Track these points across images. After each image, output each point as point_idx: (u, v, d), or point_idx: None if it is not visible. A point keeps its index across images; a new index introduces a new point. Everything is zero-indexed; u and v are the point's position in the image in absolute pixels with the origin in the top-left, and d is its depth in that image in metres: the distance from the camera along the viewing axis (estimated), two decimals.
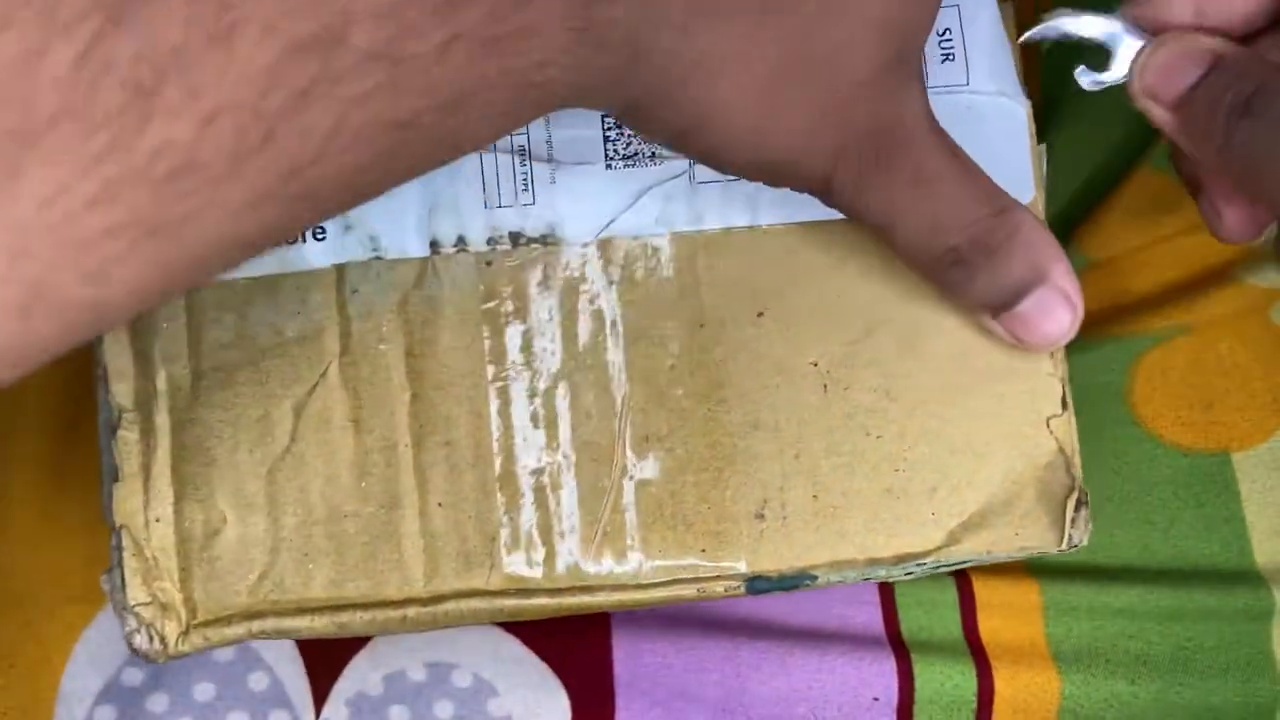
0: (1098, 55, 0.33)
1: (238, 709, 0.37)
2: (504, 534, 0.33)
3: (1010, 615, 0.39)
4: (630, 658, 0.38)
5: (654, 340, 0.34)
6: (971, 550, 0.33)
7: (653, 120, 0.28)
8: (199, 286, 0.23)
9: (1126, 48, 0.32)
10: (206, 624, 0.33)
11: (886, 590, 0.39)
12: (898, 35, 0.28)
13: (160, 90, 0.20)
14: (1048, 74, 0.43)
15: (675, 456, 0.33)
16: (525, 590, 0.33)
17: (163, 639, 0.32)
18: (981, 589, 0.39)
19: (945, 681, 0.39)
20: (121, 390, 0.33)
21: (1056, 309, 0.31)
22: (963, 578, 0.39)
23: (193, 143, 0.21)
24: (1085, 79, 0.33)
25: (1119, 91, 0.33)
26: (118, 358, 0.33)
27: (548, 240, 0.34)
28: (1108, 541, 0.40)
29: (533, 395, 0.33)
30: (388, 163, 0.24)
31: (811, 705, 0.38)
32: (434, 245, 0.33)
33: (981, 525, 0.33)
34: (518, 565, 0.33)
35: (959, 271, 0.31)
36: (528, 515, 0.33)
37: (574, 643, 0.38)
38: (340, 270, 0.33)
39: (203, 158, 0.21)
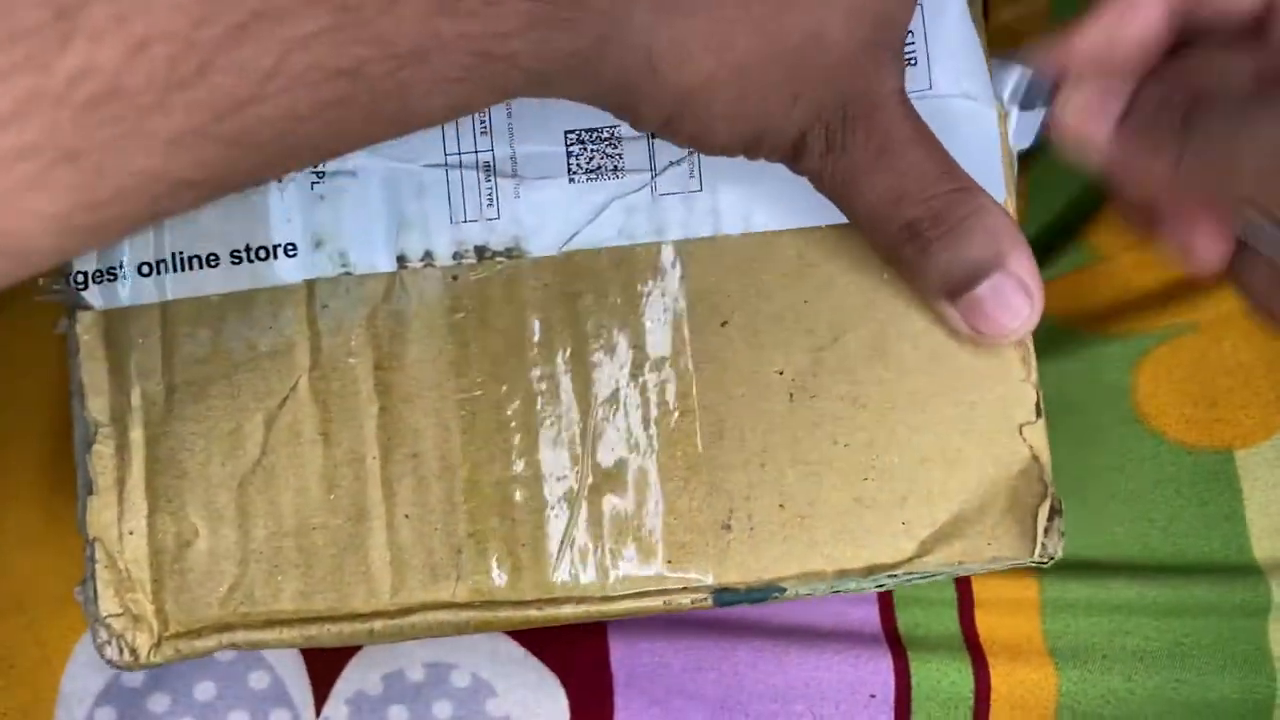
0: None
1: (239, 708, 0.38)
2: (470, 546, 0.33)
3: (1007, 611, 0.39)
4: (628, 657, 0.38)
5: (619, 351, 0.34)
6: (943, 561, 0.33)
7: (631, 111, 0.28)
8: (132, 230, 0.22)
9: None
10: (178, 636, 0.33)
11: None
12: (869, 21, 0.28)
13: (84, 12, 0.20)
14: None
15: (641, 468, 0.33)
16: (491, 603, 0.33)
17: (134, 650, 0.33)
18: (979, 585, 0.39)
19: (942, 678, 0.38)
20: (97, 405, 0.34)
21: (1014, 298, 0.30)
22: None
23: (119, 69, 0.20)
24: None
25: None
26: (93, 373, 0.34)
27: (513, 253, 0.34)
28: (1108, 538, 0.39)
29: (498, 407, 0.33)
30: (330, 116, 0.23)
31: (809, 702, 0.38)
32: (401, 260, 0.34)
33: (953, 535, 0.33)
34: (483, 578, 0.33)
35: (916, 246, 0.30)
36: (493, 527, 0.33)
37: (572, 642, 0.38)
38: (311, 286, 0.34)
39: (129, 85, 0.21)
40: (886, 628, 0.39)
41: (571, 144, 0.34)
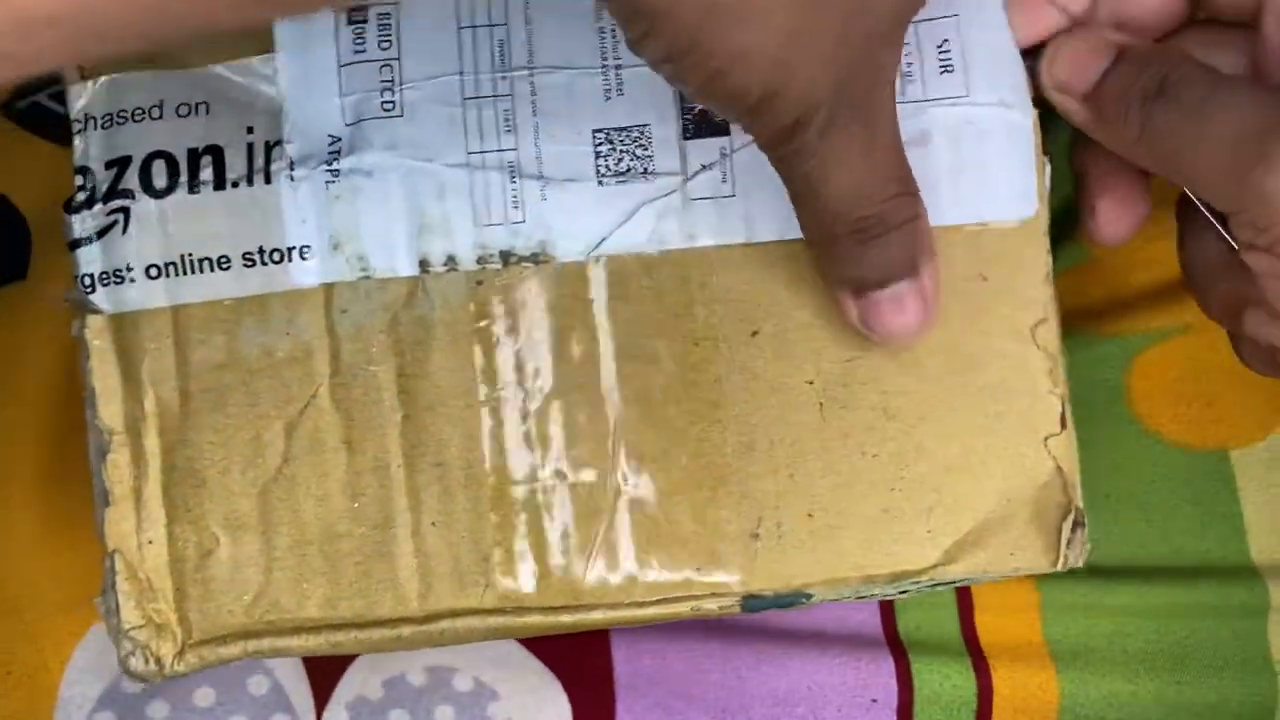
0: None
1: (238, 714, 0.37)
2: (497, 553, 0.33)
3: (1008, 614, 0.39)
4: (630, 660, 0.38)
5: (647, 359, 0.33)
6: (967, 570, 0.33)
7: (637, 10, 0.25)
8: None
9: None
10: (202, 644, 0.33)
11: None
12: (899, 3, 0.28)
13: None
14: None
15: (669, 476, 0.33)
16: (520, 609, 0.33)
17: (158, 660, 0.32)
18: (979, 588, 0.39)
19: (944, 682, 0.39)
20: (110, 413, 0.33)
21: (912, 306, 0.31)
22: None
23: None
24: None
25: None
26: (105, 379, 0.33)
27: (539, 258, 0.33)
28: (1105, 539, 0.40)
29: (525, 415, 0.33)
30: None
31: (811, 705, 0.38)
32: (423, 264, 0.33)
33: (977, 545, 0.33)
34: (512, 584, 0.33)
35: (853, 242, 0.30)
36: (521, 535, 0.33)
37: (574, 645, 0.38)
38: (329, 290, 0.33)
39: None
40: (888, 631, 0.39)
41: (600, 144, 0.33)
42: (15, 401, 0.39)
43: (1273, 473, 0.40)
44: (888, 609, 0.39)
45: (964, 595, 0.40)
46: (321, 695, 0.38)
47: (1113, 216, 0.34)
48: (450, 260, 0.33)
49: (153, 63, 0.34)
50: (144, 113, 0.33)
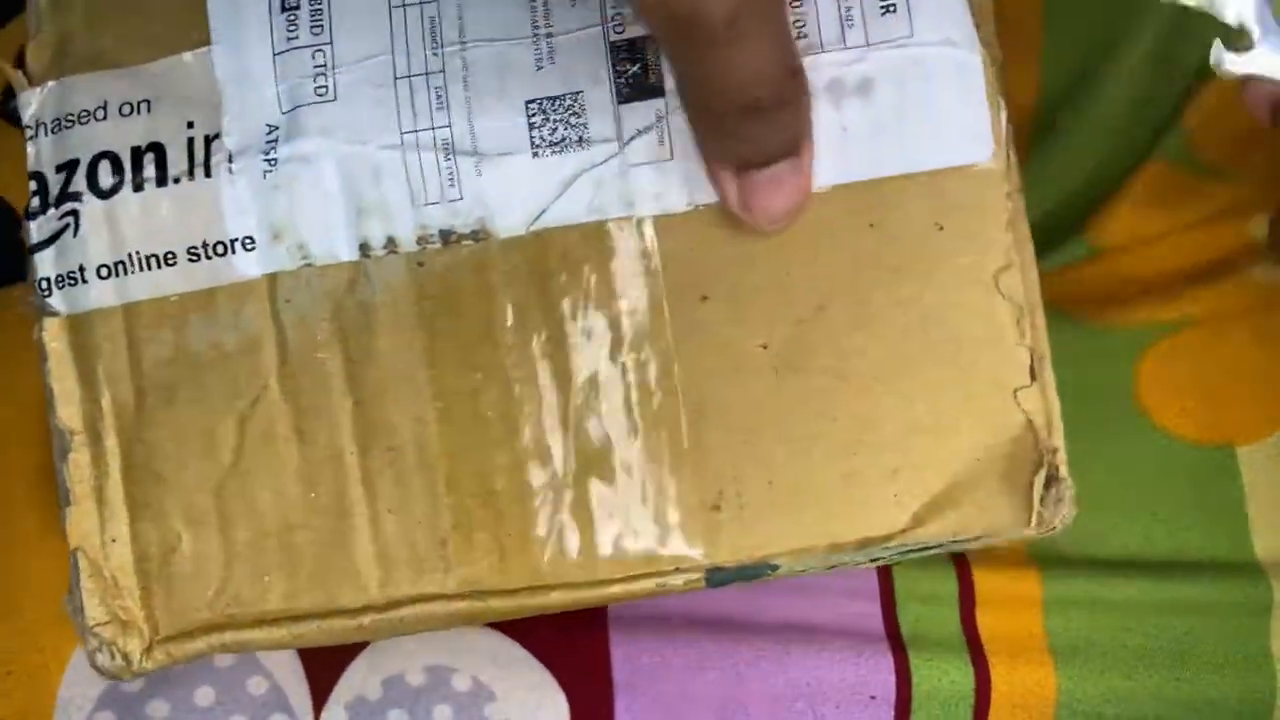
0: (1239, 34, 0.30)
1: (237, 714, 0.38)
2: (454, 538, 0.32)
3: (1009, 609, 0.38)
4: (629, 658, 0.38)
5: (596, 332, 0.32)
6: (938, 533, 0.32)
7: None
8: None
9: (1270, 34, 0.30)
10: (168, 640, 0.33)
11: (886, 583, 0.39)
12: None
13: None
14: (1050, 61, 0.42)
15: (625, 450, 0.32)
16: (480, 593, 0.33)
17: (125, 656, 0.33)
18: (981, 580, 0.38)
19: (942, 678, 0.38)
20: (69, 413, 0.33)
21: (790, 185, 0.31)
22: (964, 569, 0.38)
23: None
24: (1224, 61, 0.30)
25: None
26: (62, 380, 0.33)
27: (479, 235, 0.32)
28: (1110, 532, 0.39)
29: (475, 397, 0.32)
30: None
31: (810, 701, 0.37)
32: (364, 248, 0.33)
33: (947, 506, 0.32)
34: (471, 568, 0.32)
35: (741, 119, 0.30)
36: (479, 518, 0.32)
37: (573, 645, 0.38)
38: (272, 280, 0.33)
39: None
40: (888, 628, 0.38)
41: (533, 114, 0.32)
42: (15, 402, 0.40)
43: (1278, 469, 0.38)
44: (889, 604, 0.38)
45: (966, 589, 0.38)
46: (320, 695, 0.38)
47: None
48: (390, 243, 0.33)
49: (96, 63, 0.34)
50: (89, 114, 0.33)
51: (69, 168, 0.33)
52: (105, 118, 0.33)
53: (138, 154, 0.33)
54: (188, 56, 0.34)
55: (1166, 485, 0.39)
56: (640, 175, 0.32)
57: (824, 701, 0.37)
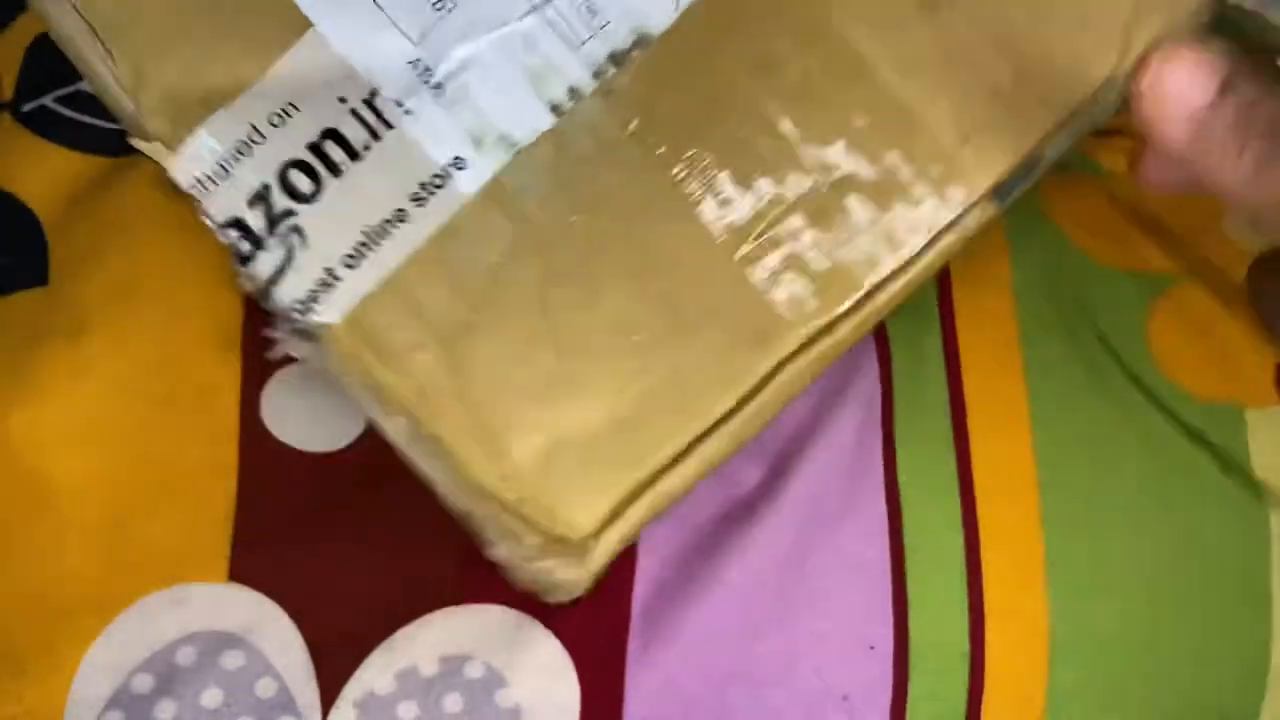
0: None
1: (245, 715, 0.38)
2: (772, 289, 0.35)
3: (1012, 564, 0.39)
4: (644, 631, 0.39)
5: (778, 60, 0.35)
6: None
7: None
8: None
9: None
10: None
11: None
12: None
13: None
14: None
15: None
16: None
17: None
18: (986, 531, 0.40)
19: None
20: (395, 401, 0.34)
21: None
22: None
23: None
24: None
25: None
26: (382, 375, 0.34)
27: (643, 42, 0.35)
28: (1116, 481, 0.40)
29: (717, 191, 0.35)
30: None
31: (815, 660, 0.39)
32: (555, 110, 0.34)
33: None
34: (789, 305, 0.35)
35: None
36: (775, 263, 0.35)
37: (592, 625, 0.38)
38: (496, 183, 0.34)
39: None
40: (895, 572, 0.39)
41: None
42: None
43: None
44: (898, 554, 0.40)
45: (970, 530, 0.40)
46: (329, 694, 0.38)
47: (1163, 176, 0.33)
48: (574, 92, 0.35)
49: (215, 101, 0.34)
50: (246, 144, 0.34)
51: (261, 196, 0.34)
52: (264, 138, 0.34)
53: (317, 148, 0.34)
54: (298, 48, 0.35)
55: (1173, 436, 0.40)
56: None
57: (828, 655, 0.39)
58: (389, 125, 0.34)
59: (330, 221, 0.34)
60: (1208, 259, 0.40)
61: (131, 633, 0.38)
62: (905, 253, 0.35)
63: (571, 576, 0.34)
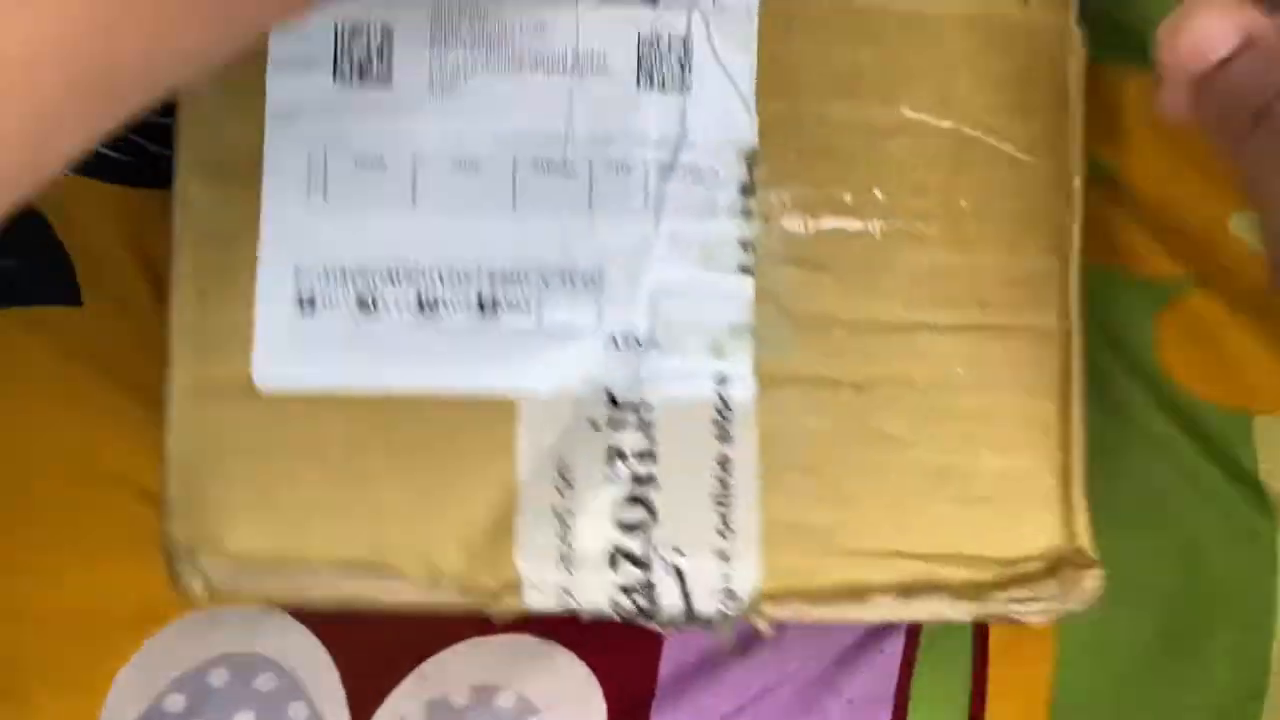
0: None
1: None
2: None
3: None
4: (674, 658, 0.39)
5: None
6: None
7: None
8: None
9: None
10: None
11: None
12: None
13: None
14: None
15: None
16: None
17: None
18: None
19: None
20: None
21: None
22: None
23: None
24: None
25: None
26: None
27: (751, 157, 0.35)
28: (1126, 484, 0.39)
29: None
30: None
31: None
32: (745, 270, 0.35)
33: None
34: None
35: None
36: None
37: (623, 654, 0.39)
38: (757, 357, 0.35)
39: None
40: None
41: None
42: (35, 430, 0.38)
43: None
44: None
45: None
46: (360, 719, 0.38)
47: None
48: (745, 244, 0.35)
49: None
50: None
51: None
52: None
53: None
54: None
55: (1183, 444, 0.40)
56: None
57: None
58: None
59: (674, 510, 0.34)
60: (1217, 262, 0.40)
61: (165, 653, 0.38)
62: None
63: None
